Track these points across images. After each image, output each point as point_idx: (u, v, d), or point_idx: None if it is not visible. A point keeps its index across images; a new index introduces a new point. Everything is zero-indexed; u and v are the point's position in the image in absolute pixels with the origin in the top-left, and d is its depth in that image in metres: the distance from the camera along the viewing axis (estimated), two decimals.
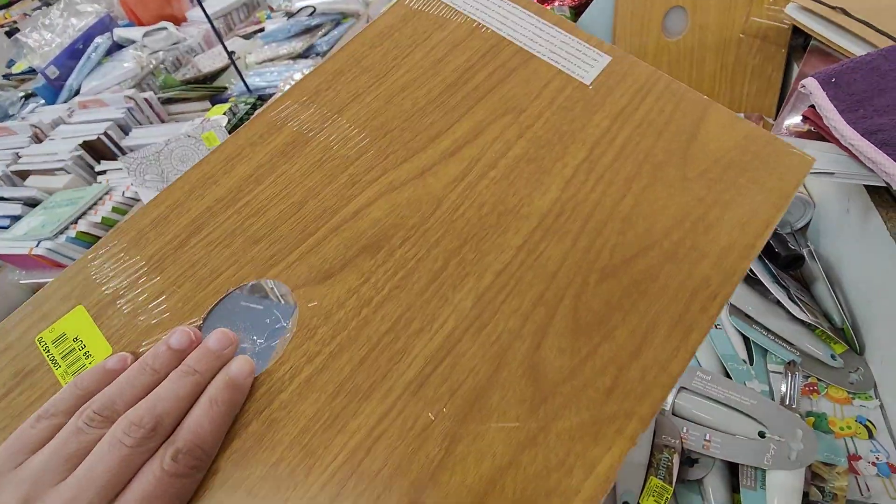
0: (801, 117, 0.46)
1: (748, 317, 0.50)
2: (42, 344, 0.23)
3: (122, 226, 0.27)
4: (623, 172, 0.22)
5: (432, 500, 0.18)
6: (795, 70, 0.66)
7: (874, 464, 0.40)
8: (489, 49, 0.27)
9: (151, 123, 1.05)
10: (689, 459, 0.45)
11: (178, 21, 1.40)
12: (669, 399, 0.46)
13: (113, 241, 0.26)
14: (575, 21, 0.75)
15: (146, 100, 1.04)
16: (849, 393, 0.44)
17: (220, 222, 0.25)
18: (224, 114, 0.92)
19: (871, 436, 0.42)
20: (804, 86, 0.43)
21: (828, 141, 0.42)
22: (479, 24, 0.28)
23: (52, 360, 0.22)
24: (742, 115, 0.70)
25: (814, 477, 0.40)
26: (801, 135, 0.45)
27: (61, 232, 0.76)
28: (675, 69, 0.71)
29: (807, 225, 0.59)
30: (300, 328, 0.22)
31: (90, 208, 0.81)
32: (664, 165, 0.22)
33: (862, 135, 0.39)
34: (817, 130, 0.43)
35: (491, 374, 0.19)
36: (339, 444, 0.19)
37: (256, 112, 0.75)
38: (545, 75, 0.26)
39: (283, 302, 0.23)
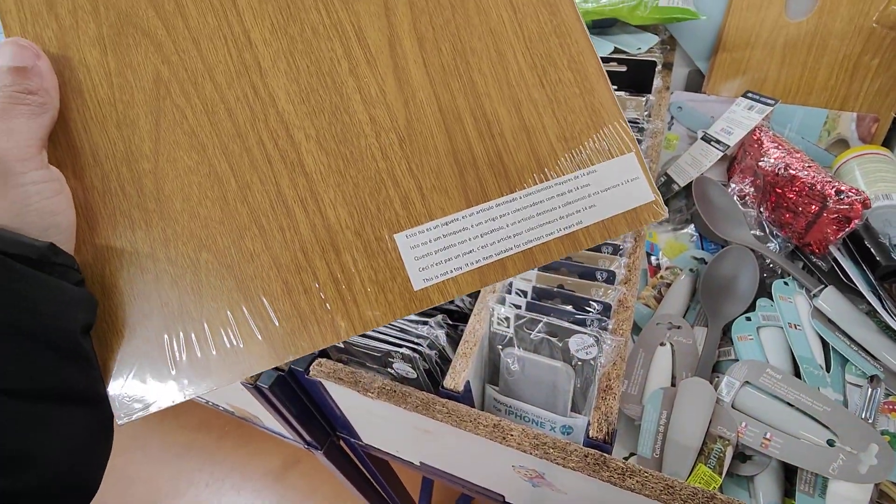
0: None
1: (832, 323, 0.47)
2: None
3: None
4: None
5: None
6: None
7: None
8: None
9: None
10: (741, 455, 0.43)
11: None
12: (731, 391, 0.44)
13: None
14: None
15: None
16: None
17: None
18: None
19: None
20: None
21: None
22: None
23: None
24: (854, 113, 0.64)
25: (880, 496, 0.38)
26: None
27: None
28: (790, 53, 0.65)
29: None
30: None
31: None
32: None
33: None
34: None
35: None
36: None
37: None
38: None
39: None
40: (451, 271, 0.23)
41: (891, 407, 0.43)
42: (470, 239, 0.23)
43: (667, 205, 0.66)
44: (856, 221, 0.46)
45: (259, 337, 0.23)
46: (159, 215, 0.23)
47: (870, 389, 0.42)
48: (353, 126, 0.23)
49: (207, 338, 0.23)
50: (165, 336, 0.22)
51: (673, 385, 0.47)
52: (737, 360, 0.47)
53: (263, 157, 0.23)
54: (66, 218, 0.22)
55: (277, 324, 0.23)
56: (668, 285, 0.55)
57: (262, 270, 0.23)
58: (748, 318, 0.50)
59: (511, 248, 0.24)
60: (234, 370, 0.22)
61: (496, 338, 0.42)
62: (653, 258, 0.60)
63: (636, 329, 0.52)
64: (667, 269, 0.57)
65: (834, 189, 0.47)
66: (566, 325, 0.39)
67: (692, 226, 0.61)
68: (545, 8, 0.24)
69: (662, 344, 0.49)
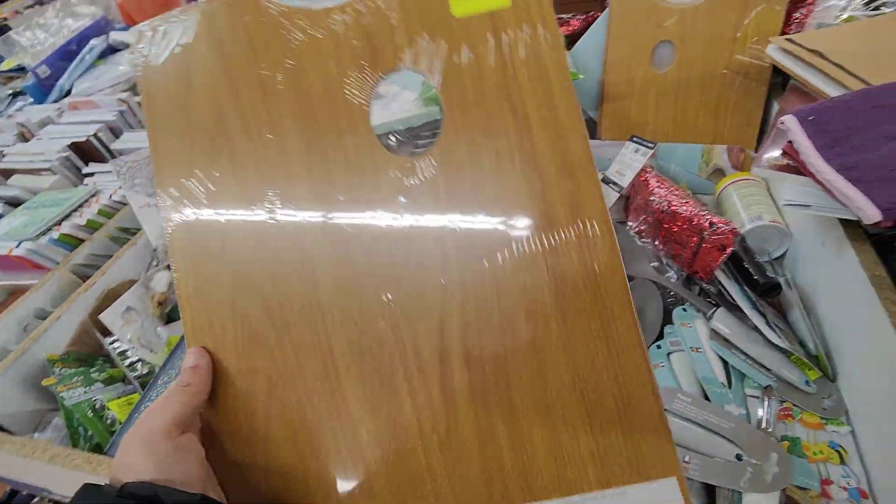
0: (780, 152, 0.48)
1: (727, 341, 0.51)
2: None
3: None
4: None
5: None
6: (775, 106, 0.69)
7: (845, 489, 0.41)
8: None
9: (144, 128, 1.04)
10: None
11: None
12: None
13: None
14: (569, 49, 0.77)
15: (140, 104, 1.04)
16: (822, 418, 0.46)
17: None
18: None
19: (842, 461, 0.43)
20: (783, 122, 0.45)
21: (804, 175, 0.45)
22: None
23: None
24: (724, 147, 0.73)
25: (787, 500, 0.41)
26: (780, 168, 0.47)
27: (44, 233, 0.75)
28: (662, 99, 0.73)
29: (784, 254, 0.61)
30: None
31: (75, 210, 0.80)
32: None
33: (837, 171, 0.41)
34: (795, 164, 0.45)
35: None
36: None
37: None
38: None
39: None
40: None
41: (786, 413, 0.47)
42: None
43: None
44: (730, 248, 0.52)
45: None
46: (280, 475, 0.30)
47: (766, 399, 0.47)
48: (403, 427, 0.29)
49: None
50: None
51: None
52: None
53: (336, 450, 0.29)
54: (196, 472, 0.28)
55: None
56: None
57: None
58: (658, 346, 0.54)
59: None
60: None
61: None
62: None
63: None
64: None
65: (708, 222, 0.53)
66: None
67: None
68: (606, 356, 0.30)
69: None
